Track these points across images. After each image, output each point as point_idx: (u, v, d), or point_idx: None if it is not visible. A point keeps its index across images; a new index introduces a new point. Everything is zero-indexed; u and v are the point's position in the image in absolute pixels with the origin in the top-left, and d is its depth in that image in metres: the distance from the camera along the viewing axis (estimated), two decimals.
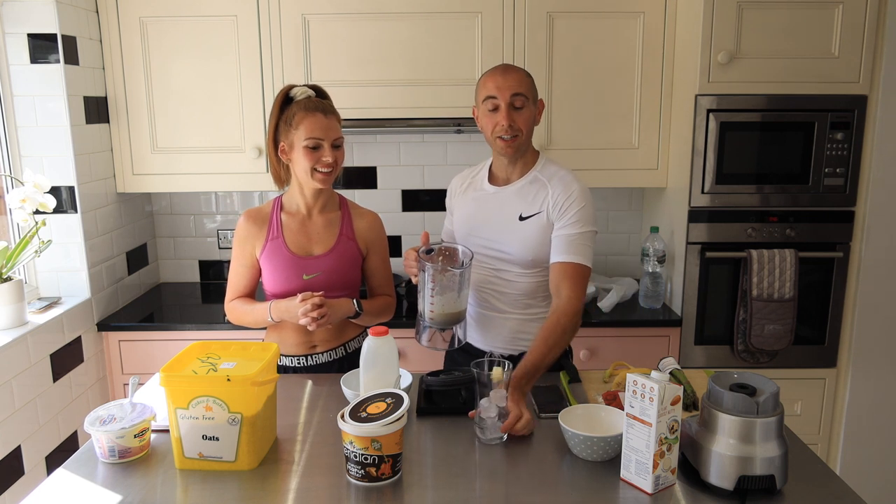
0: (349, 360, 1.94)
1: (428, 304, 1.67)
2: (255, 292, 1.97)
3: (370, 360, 1.51)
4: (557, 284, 1.75)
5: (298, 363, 1.93)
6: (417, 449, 1.45)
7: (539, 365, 1.61)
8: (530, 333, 1.86)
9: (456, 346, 1.76)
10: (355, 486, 1.30)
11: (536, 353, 1.62)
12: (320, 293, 1.78)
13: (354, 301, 1.87)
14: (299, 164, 1.80)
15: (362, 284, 1.99)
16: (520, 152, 1.81)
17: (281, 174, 1.90)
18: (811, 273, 2.50)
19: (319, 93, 1.87)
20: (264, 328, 1.99)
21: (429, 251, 1.69)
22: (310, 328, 1.77)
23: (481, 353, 1.89)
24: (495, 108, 1.76)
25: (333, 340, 1.94)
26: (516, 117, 1.75)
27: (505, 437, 1.46)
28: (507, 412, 1.46)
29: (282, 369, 1.93)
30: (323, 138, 1.78)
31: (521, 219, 1.81)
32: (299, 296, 1.77)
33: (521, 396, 1.52)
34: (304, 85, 1.85)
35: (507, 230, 1.82)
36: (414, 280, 1.73)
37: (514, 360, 1.84)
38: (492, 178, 1.90)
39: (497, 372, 1.45)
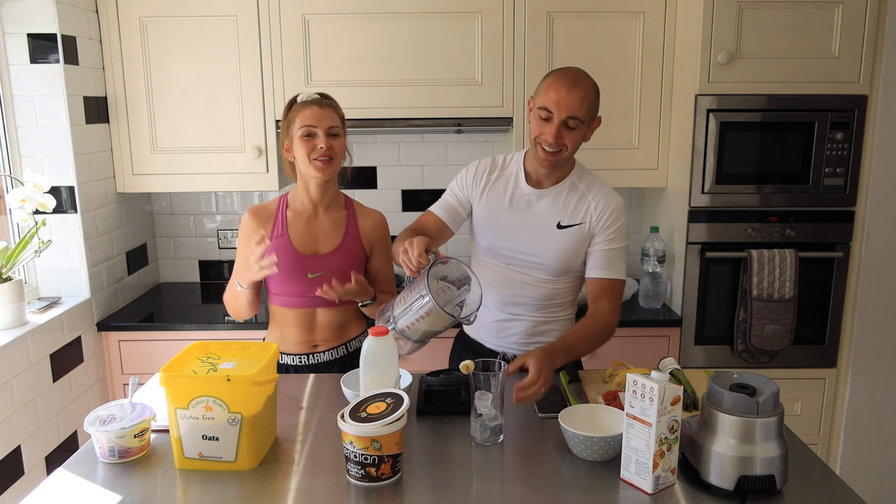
0: (350, 359, 1.94)
1: (408, 321, 1.57)
2: (258, 288, 1.95)
3: (370, 360, 1.51)
4: (597, 298, 1.78)
5: (300, 361, 1.93)
6: (417, 449, 1.45)
7: (574, 345, 1.66)
8: (543, 335, 1.86)
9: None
10: (355, 486, 1.30)
11: (572, 336, 1.68)
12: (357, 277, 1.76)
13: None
14: (299, 155, 1.83)
15: None
16: (558, 166, 1.76)
17: (294, 174, 1.93)
18: (811, 273, 2.50)
19: (325, 96, 1.90)
20: (265, 328, 2.00)
21: (439, 268, 1.54)
22: (262, 271, 1.68)
23: (493, 353, 1.89)
24: (548, 120, 1.67)
25: (335, 339, 1.94)
26: (566, 136, 1.68)
27: (501, 439, 1.47)
28: (499, 417, 1.45)
29: (283, 368, 1.93)
30: (315, 125, 1.79)
31: (560, 227, 1.78)
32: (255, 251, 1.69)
33: (549, 366, 1.55)
34: (313, 93, 1.89)
35: (543, 237, 1.78)
36: (403, 268, 1.58)
37: None
38: (526, 177, 1.83)
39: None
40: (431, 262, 1.54)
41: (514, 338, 1.87)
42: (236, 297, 1.86)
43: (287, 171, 1.94)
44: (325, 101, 1.85)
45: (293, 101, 1.88)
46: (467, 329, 1.98)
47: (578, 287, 1.90)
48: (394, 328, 1.61)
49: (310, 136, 1.80)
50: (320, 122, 1.80)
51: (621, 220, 1.78)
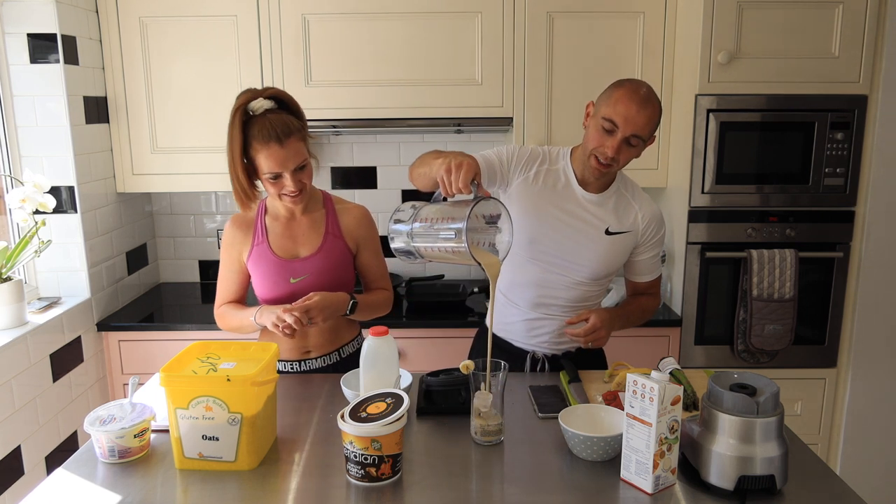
0: (343, 366, 1.88)
1: (427, 245, 1.49)
2: (244, 298, 1.90)
3: (370, 360, 1.51)
4: (644, 291, 1.92)
5: (292, 368, 1.89)
6: (417, 449, 1.45)
7: (629, 315, 1.84)
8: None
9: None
10: (355, 486, 1.30)
11: (629, 308, 1.86)
12: (309, 296, 1.70)
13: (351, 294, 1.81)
14: (269, 191, 1.74)
15: (357, 284, 1.93)
16: (607, 177, 1.76)
17: (247, 191, 1.72)
18: (811, 273, 2.50)
19: (280, 102, 1.70)
20: (258, 332, 1.98)
21: (482, 206, 1.43)
22: (284, 334, 1.67)
23: (522, 353, 1.89)
24: (610, 132, 1.64)
25: (327, 345, 1.89)
26: (623, 153, 1.66)
27: (501, 439, 1.47)
28: (497, 415, 1.45)
29: None
30: (281, 170, 1.67)
31: (608, 233, 1.78)
32: (282, 307, 1.69)
33: (608, 325, 1.73)
34: (264, 93, 1.68)
35: (592, 241, 1.77)
36: (439, 185, 1.47)
37: (556, 359, 1.88)
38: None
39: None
40: (475, 200, 1.42)
41: (545, 337, 1.86)
42: (243, 326, 1.81)
43: (238, 188, 1.73)
44: (282, 131, 1.64)
45: (246, 113, 1.65)
46: (493, 328, 1.94)
47: (606, 288, 1.95)
48: (408, 242, 1.51)
49: (276, 177, 1.69)
50: (285, 165, 1.66)
51: (663, 229, 1.86)
